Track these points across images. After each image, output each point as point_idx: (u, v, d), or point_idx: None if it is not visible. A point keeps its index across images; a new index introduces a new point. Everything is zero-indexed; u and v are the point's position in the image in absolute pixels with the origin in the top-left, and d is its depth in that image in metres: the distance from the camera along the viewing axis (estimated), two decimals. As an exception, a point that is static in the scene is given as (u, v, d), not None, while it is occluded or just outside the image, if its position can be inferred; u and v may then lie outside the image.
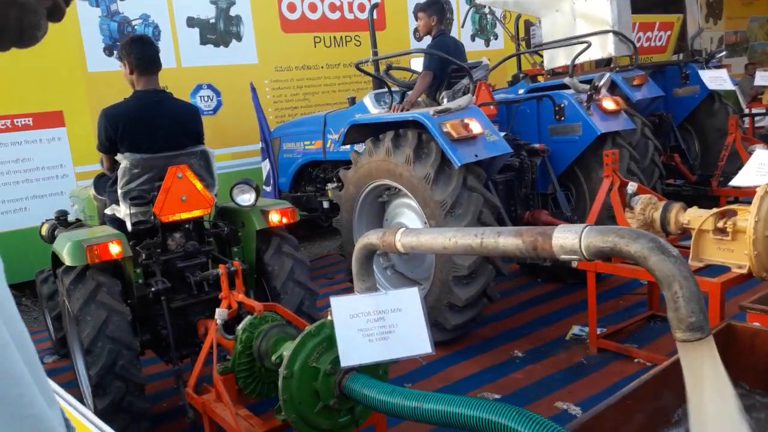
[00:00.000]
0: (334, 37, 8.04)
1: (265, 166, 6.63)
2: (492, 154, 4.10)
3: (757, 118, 9.59)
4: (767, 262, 2.96)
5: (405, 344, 2.11)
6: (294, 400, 2.17)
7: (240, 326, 2.72)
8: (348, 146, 5.10)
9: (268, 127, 6.70)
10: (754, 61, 14.07)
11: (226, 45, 7.24)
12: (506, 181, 4.83)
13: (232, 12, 7.26)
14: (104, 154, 3.53)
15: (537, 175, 4.90)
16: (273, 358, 2.51)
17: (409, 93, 4.99)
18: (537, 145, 4.87)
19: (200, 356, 3.01)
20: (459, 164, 3.87)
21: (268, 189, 6.57)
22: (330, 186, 5.72)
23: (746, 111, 10.38)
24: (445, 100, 4.60)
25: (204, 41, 7.09)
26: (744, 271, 3.05)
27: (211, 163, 3.56)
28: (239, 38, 7.31)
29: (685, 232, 3.49)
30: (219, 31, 7.18)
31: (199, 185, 3.37)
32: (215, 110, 7.22)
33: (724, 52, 7.36)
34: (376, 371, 2.23)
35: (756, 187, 2.98)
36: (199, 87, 7.10)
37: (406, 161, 4.10)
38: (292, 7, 7.70)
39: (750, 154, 4.40)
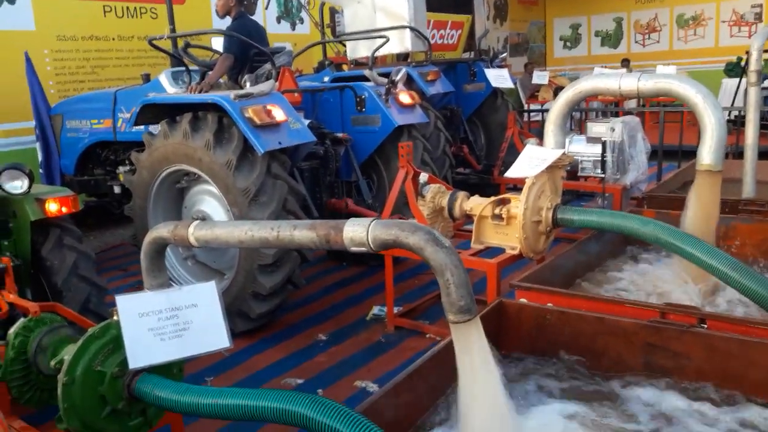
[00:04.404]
0: (127, 8, 7.42)
1: (40, 147, 5.95)
2: (296, 142, 4.13)
3: (534, 113, 10.80)
4: (534, 244, 3.38)
5: (201, 340, 2.07)
6: (77, 407, 2.02)
7: (12, 330, 2.44)
8: (141, 127, 4.79)
9: (46, 102, 6.00)
10: (533, 60, 15.85)
11: (-5, 7, 6.35)
12: (311, 169, 4.90)
13: (3, -31, 6.38)
14: None
15: (341, 163, 5.05)
16: (52, 363, 2.29)
17: (210, 73, 4.82)
18: (340, 134, 5.02)
19: (-38, 366, 2.64)
20: (262, 151, 3.85)
21: (41, 171, 5.93)
22: (122, 169, 5.34)
23: (525, 107, 11.68)
24: (247, 84, 4.51)
25: (-35, 0, 6.15)
26: (516, 252, 3.44)
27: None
28: (11, 1, 6.43)
29: (469, 218, 3.84)
30: (-15, -10, 6.26)
31: (-44, 170, 2.93)
32: (-19, 81, 6.30)
33: (506, 54, 8.18)
34: (170, 370, 2.15)
35: (526, 178, 3.38)
36: (-41, 53, 6.15)
37: (205, 146, 3.96)
38: (76, -29, 6.97)
39: (524, 145, 4.95)
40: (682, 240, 2.65)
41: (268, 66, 4.56)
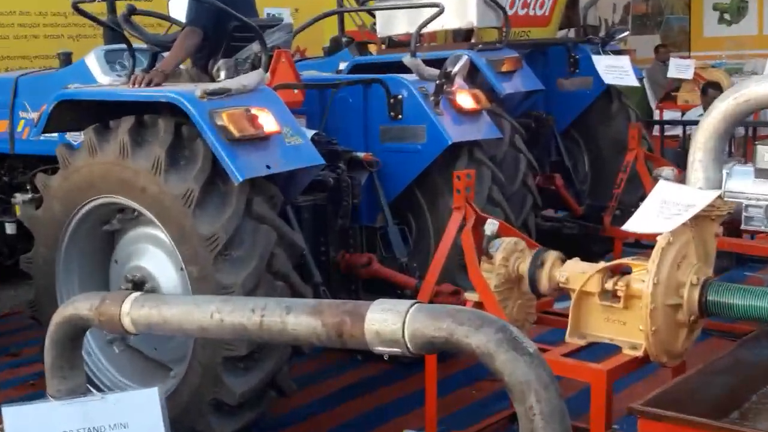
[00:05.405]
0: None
1: None
2: (293, 166, 4.19)
3: (670, 126, 10.73)
4: (669, 341, 3.33)
5: (131, 481, 2.08)
6: None
7: None
8: (54, 135, 4.92)
9: None
10: (669, 42, 15.86)
11: None
12: (314, 207, 4.94)
13: None
14: None
15: (361, 199, 5.10)
16: None
17: (165, 55, 4.92)
18: (362, 154, 5.07)
19: None
20: (241, 179, 3.90)
21: None
22: (19, 198, 5.45)
23: (657, 115, 11.63)
24: (222, 74, 4.61)
25: None
26: (639, 353, 3.39)
27: None
28: None
29: (563, 293, 3.81)
30: None
31: None
32: None
33: (627, 32, 8.23)
34: None
35: (657, 235, 3.35)
36: None
37: (153, 168, 4.03)
38: None
39: (655, 180, 4.92)
40: None
41: (255, 47, 4.65)
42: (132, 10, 4.93)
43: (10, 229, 5.62)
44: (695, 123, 4.49)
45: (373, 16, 7.00)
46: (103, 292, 2.13)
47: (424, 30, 5.89)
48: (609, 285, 3.43)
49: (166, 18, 5.35)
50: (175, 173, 4.00)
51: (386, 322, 1.73)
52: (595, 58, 6.96)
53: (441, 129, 5.00)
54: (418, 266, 5.07)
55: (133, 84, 4.46)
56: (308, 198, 4.86)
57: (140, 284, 4.29)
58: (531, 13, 7.12)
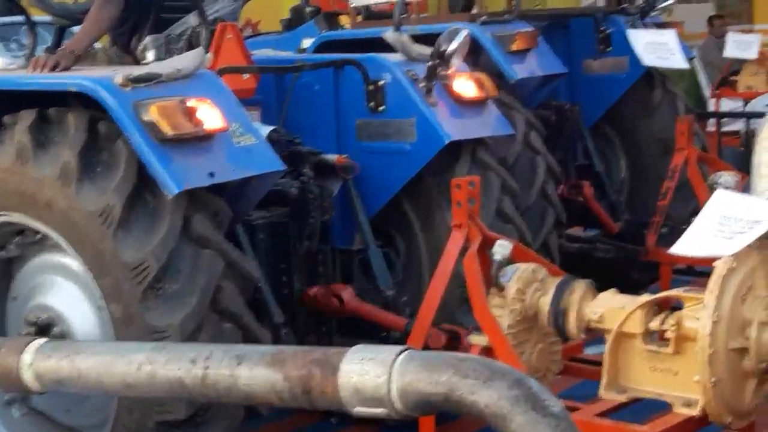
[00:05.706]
0: None
1: None
2: (244, 173, 4.20)
3: (729, 121, 10.76)
4: (733, 395, 3.34)
5: None
6: None
7: None
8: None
9: None
10: (726, 12, 15.96)
11: None
12: (273, 226, 4.96)
13: None
14: None
15: (333, 214, 5.10)
16: None
17: (76, 30, 4.91)
18: (333, 157, 5.07)
19: None
20: (176, 191, 3.89)
21: None
22: None
23: (711, 105, 11.69)
24: (149, 55, 4.62)
25: None
26: (695, 412, 3.40)
27: None
28: None
29: (595, 334, 3.81)
30: None
31: None
32: None
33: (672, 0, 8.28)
34: None
35: (715, 259, 3.36)
36: None
37: (61, 177, 4.03)
38: None
39: (711, 188, 4.94)
40: None
41: (192, 19, 4.65)
42: (32, -23, 4.95)
43: None
44: (761, 115, 4.52)
45: (346, -21, 7.07)
46: (-2, 339, 2.12)
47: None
48: (655, 324, 3.46)
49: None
50: (90, 183, 4.00)
51: (367, 374, 1.71)
52: (631, 32, 7.01)
53: (435, 124, 5.02)
54: (409, 301, 5.10)
55: (34, 68, 4.46)
56: (264, 214, 4.89)
57: (46, 328, 4.26)
58: (549, -25, 7.20)
